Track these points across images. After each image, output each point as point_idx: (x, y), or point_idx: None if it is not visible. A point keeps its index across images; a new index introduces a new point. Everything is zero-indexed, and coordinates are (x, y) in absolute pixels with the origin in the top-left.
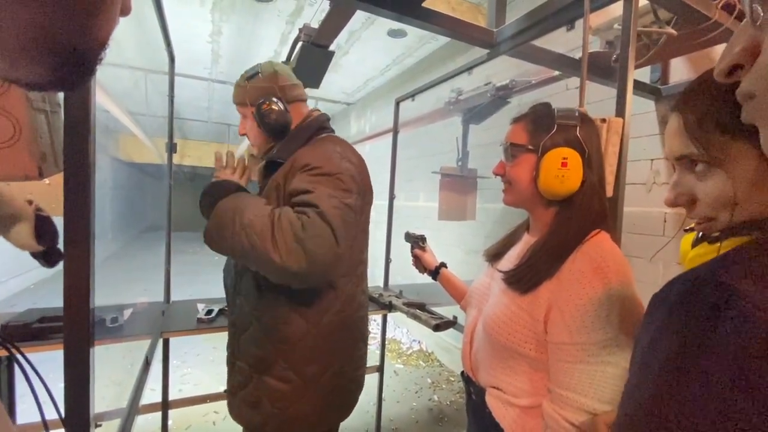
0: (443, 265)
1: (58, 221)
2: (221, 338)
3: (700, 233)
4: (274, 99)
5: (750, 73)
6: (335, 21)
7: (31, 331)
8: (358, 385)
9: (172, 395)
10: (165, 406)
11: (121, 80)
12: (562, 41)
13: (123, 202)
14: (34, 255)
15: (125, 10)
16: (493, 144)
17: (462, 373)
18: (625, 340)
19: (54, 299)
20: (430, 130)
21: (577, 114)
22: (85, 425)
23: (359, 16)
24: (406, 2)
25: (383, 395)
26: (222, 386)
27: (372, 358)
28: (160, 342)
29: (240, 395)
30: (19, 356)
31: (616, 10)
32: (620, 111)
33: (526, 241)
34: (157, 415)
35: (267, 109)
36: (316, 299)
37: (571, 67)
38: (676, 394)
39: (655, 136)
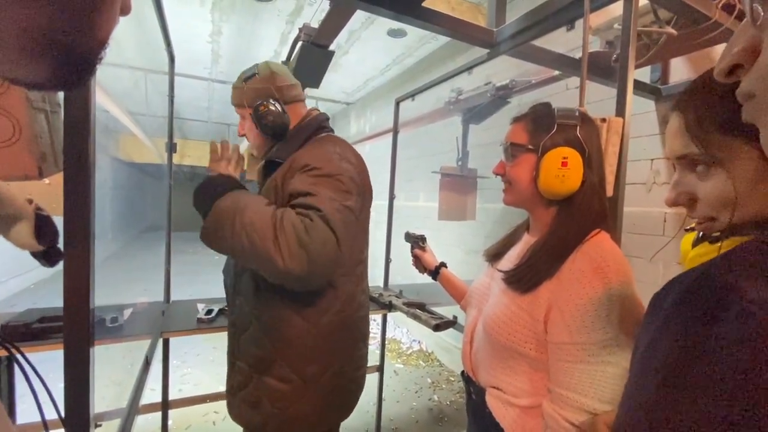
0: (443, 265)
1: (58, 221)
2: (221, 338)
3: (701, 233)
4: (272, 100)
5: (750, 73)
6: (335, 21)
7: (31, 331)
8: (359, 385)
9: (172, 395)
10: (165, 406)
11: (121, 80)
12: (562, 41)
13: (123, 202)
14: (35, 254)
15: (125, 10)
16: (493, 144)
17: (462, 373)
18: (625, 340)
19: (54, 299)
20: (430, 130)
21: (577, 114)
22: (85, 425)
23: (359, 16)
24: (406, 2)
25: (383, 395)
26: (222, 386)
27: (372, 358)
28: (160, 342)
29: (240, 395)
30: (19, 356)
31: (616, 10)
32: (620, 111)
33: (526, 241)
34: (157, 415)
35: (264, 111)
36: (316, 299)
37: (571, 67)
38: (677, 394)
39: (655, 136)
